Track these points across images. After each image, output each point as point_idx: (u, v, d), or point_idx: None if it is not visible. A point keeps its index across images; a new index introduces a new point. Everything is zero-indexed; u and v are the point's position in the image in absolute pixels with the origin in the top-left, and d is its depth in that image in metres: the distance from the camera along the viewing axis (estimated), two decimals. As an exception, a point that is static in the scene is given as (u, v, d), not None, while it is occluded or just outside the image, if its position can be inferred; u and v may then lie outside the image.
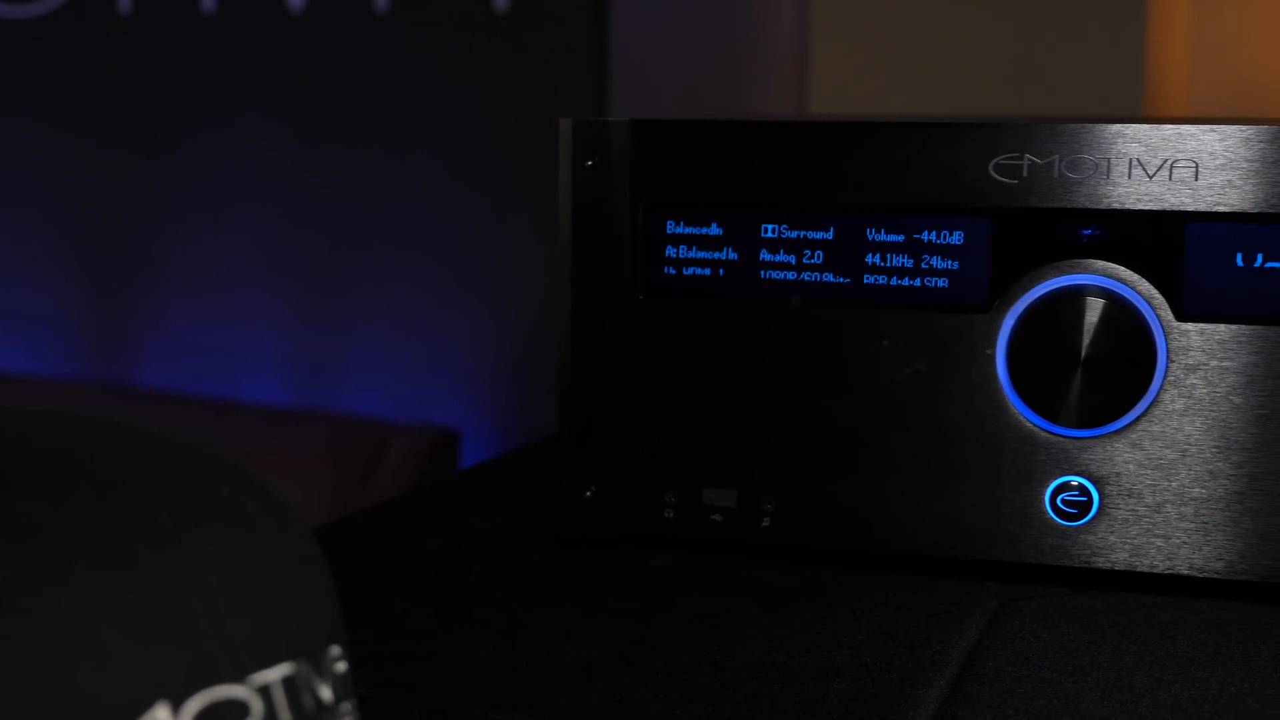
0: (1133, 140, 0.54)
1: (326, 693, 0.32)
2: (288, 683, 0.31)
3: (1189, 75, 2.14)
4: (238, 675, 0.29)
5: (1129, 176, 0.54)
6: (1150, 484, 0.55)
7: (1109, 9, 1.73)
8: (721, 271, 0.58)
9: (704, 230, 0.58)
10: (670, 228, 0.59)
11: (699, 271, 0.59)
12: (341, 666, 0.33)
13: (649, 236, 0.59)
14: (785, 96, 1.96)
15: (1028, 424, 0.56)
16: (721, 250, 0.58)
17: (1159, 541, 0.56)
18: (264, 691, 0.30)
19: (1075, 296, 0.55)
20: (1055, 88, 1.73)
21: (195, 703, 0.28)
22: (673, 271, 0.59)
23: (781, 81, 1.96)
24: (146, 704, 0.28)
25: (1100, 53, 1.73)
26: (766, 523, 0.59)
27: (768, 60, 1.98)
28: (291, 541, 0.33)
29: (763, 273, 0.58)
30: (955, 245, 0.56)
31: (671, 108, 1.99)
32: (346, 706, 0.33)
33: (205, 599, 0.29)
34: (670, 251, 0.59)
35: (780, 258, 0.58)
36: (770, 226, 0.58)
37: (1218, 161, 0.53)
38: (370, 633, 0.53)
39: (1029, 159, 0.55)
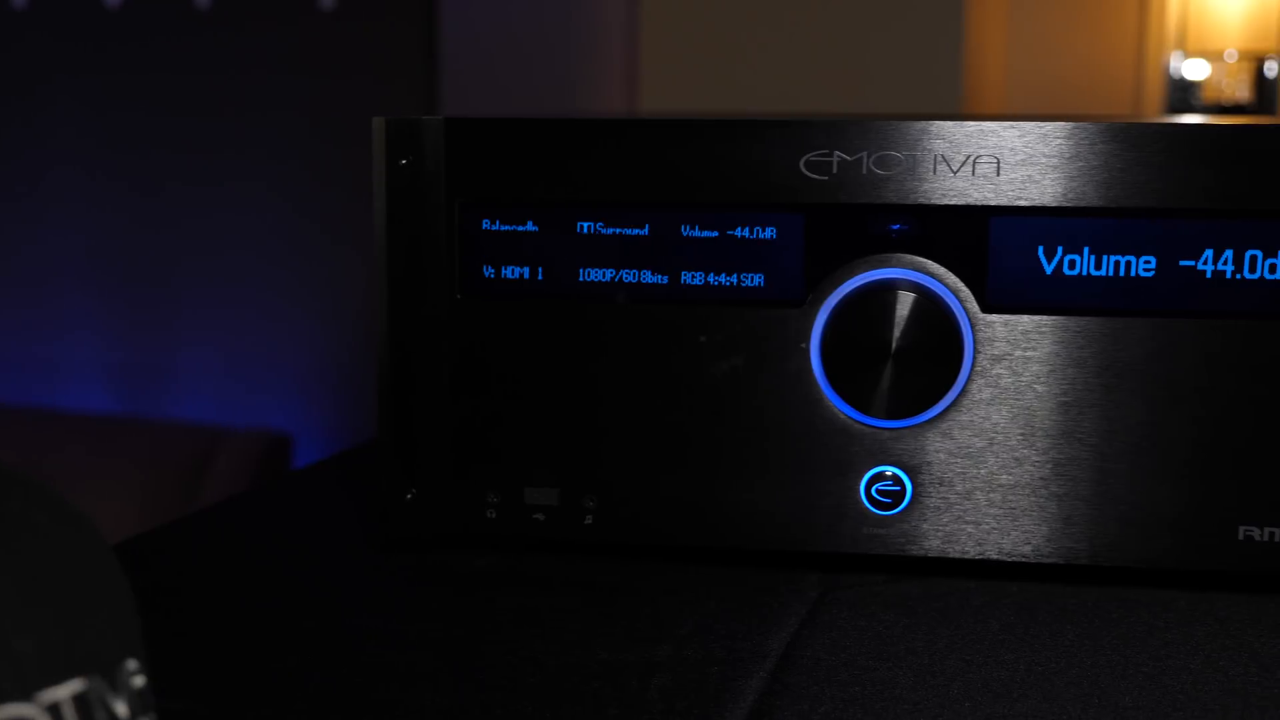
0: (937, 137, 0.55)
1: (122, 708, 0.31)
2: (79, 700, 0.30)
3: (1005, 75, 2.20)
4: (24, 693, 0.28)
5: (934, 172, 0.55)
6: (960, 472, 0.57)
7: (928, 12, 1.77)
8: (539, 269, 0.58)
9: (520, 228, 0.58)
10: (486, 226, 0.59)
11: (516, 270, 0.59)
12: (139, 681, 0.32)
13: (465, 235, 0.59)
14: (616, 93, 1.97)
15: (842, 416, 0.57)
16: (538, 248, 0.58)
17: (969, 528, 0.57)
18: (54, 709, 0.29)
19: (886, 290, 0.56)
20: (880, 87, 1.77)
21: (-22, 723, 0.27)
22: (490, 270, 0.59)
23: (613, 79, 1.97)
24: (-76, 726, 0.27)
25: (921, 54, 1.77)
26: (589, 520, 0.59)
27: (599, 58, 1.98)
28: (84, 554, 0.32)
29: (579, 270, 0.58)
30: (769, 241, 0.57)
31: (504, 105, 1.99)
32: (145, 722, 0.32)
33: (-13, 615, 0.28)
34: (487, 250, 0.59)
35: (596, 255, 0.58)
36: (586, 224, 0.58)
37: (1018, 157, 0.55)
38: (181, 644, 0.52)
39: (838, 155, 0.56)
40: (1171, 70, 2.26)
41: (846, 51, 1.78)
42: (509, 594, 0.58)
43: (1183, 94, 2.25)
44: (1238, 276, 0.55)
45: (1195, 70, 2.25)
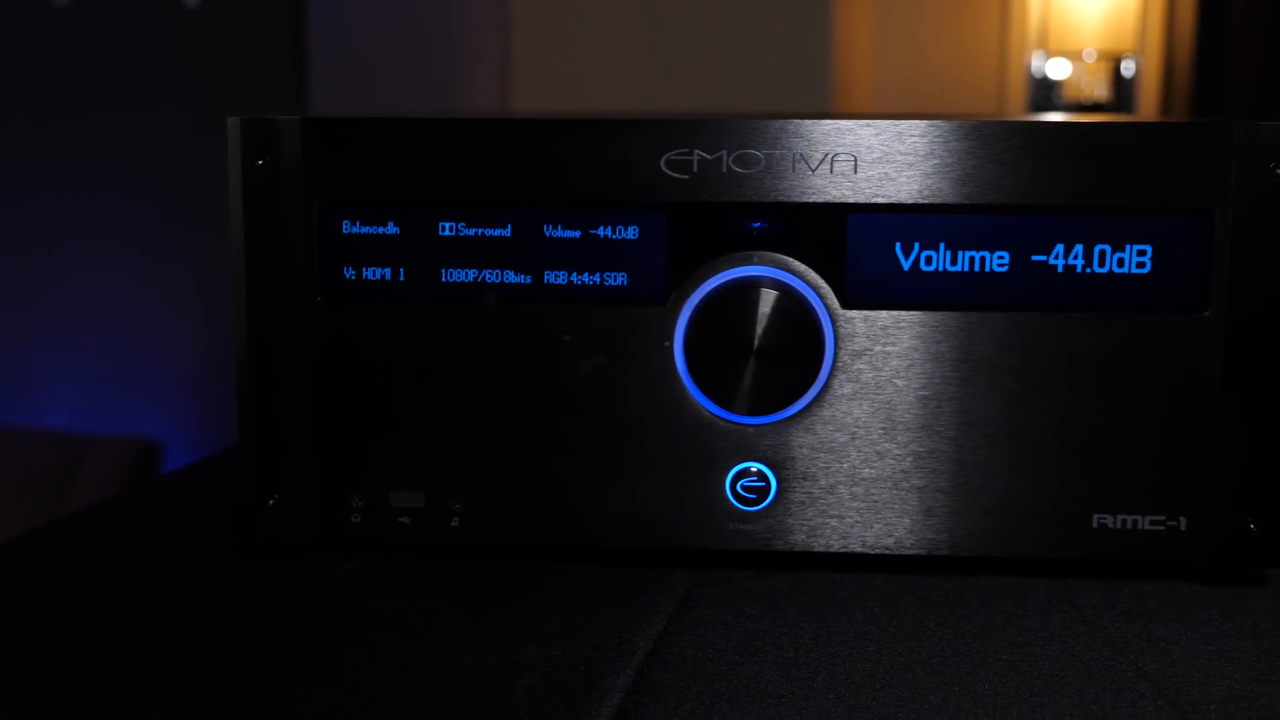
0: (795, 135, 0.56)
1: (-40, 726, 0.30)
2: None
3: (873, 75, 2.24)
4: None
5: (793, 170, 0.56)
6: (823, 467, 0.57)
7: (798, 14, 1.79)
8: (400, 271, 0.58)
9: (381, 230, 0.58)
10: (346, 228, 0.58)
11: (377, 271, 0.58)
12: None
13: (325, 237, 0.58)
14: (489, 93, 1.96)
15: (707, 414, 0.58)
16: (399, 249, 0.58)
17: (833, 522, 0.58)
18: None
19: (748, 288, 0.56)
20: (752, 87, 1.79)
21: None
22: (350, 272, 0.58)
23: (486, 78, 1.96)
24: None
25: (791, 55, 1.79)
26: (456, 522, 0.59)
27: (472, 57, 1.97)
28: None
29: (442, 272, 0.58)
30: (631, 240, 0.57)
31: (375, 104, 1.97)
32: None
33: None
34: (347, 252, 0.58)
35: (458, 256, 0.58)
36: (447, 225, 0.57)
37: (874, 155, 0.56)
38: (37, 658, 0.50)
39: (698, 154, 0.56)
40: (1034, 69, 2.31)
41: (719, 53, 1.79)
42: (375, 598, 0.57)
43: (1045, 92, 2.31)
44: (1088, 271, 0.56)
45: (1056, 69, 2.31)
